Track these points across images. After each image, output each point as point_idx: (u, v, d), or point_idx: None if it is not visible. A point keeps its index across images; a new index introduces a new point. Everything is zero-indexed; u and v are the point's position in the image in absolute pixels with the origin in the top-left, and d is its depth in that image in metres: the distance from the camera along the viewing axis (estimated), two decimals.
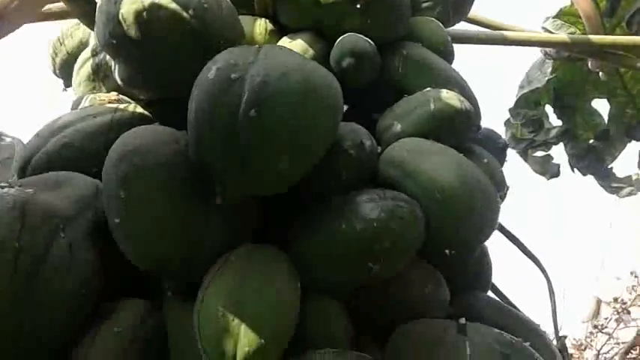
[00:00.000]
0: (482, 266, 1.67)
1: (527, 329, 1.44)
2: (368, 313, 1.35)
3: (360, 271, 1.20)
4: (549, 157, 3.40)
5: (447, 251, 1.29)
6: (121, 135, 1.28)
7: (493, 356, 1.15)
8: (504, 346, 1.17)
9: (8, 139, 1.87)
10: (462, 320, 1.25)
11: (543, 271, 2.81)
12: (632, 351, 4.73)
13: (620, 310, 5.42)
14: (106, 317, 1.20)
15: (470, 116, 1.53)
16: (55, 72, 2.16)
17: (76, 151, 1.44)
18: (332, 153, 1.28)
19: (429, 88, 1.57)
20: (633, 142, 3.28)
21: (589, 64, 2.93)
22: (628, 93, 3.17)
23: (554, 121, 3.31)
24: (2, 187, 1.18)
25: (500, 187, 1.62)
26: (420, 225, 1.23)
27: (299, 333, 1.13)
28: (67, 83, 2.10)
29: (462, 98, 1.53)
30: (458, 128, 1.51)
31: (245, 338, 1.02)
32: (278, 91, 1.10)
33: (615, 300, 5.62)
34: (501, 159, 1.82)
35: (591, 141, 3.32)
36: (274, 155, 1.10)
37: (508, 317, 1.48)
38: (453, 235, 1.26)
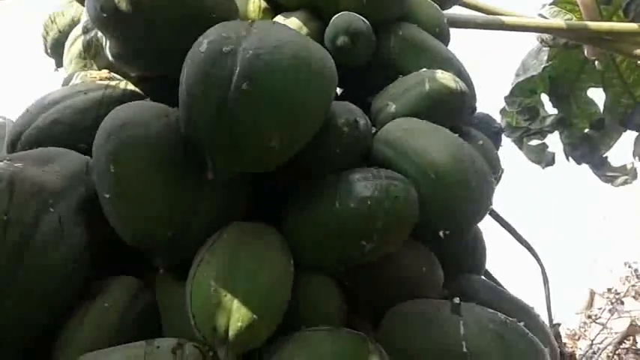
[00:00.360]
0: (476, 250, 1.66)
1: (521, 311, 1.43)
2: (362, 292, 1.35)
3: (353, 249, 1.18)
4: (544, 146, 3.40)
5: (441, 232, 1.28)
6: (111, 110, 1.26)
7: (487, 335, 1.14)
8: (498, 325, 1.17)
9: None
10: (456, 300, 1.24)
11: (537, 258, 2.81)
12: (625, 341, 4.76)
13: (613, 301, 5.45)
14: (96, 294, 1.18)
15: (465, 97, 1.52)
16: (46, 51, 2.13)
17: (66, 127, 1.42)
18: (325, 130, 1.26)
19: (424, 69, 1.56)
20: (628, 131, 3.28)
21: (585, 52, 2.92)
22: (623, 82, 3.16)
23: (550, 109, 3.31)
24: None
25: (495, 170, 1.61)
26: (415, 204, 1.22)
27: (292, 310, 1.12)
28: (59, 63, 2.07)
29: (457, 79, 1.52)
30: (453, 109, 1.50)
31: (237, 313, 1.01)
32: (270, 64, 1.08)
33: (609, 290, 5.65)
34: (496, 143, 1.81)
35: (586, 130, 3.31)
36: (265, 130, 1.07)
37: (502, 299, 1.48)
38: (447, 214, 1.25)
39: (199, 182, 1.18)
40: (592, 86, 3.38)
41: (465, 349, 1.13)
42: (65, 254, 1.12)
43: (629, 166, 3.20)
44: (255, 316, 1.01)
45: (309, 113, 1.15)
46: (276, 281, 1.09)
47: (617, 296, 5.58)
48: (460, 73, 1.62)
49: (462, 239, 1.31)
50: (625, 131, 3.29)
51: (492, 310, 1.24)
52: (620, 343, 4.66)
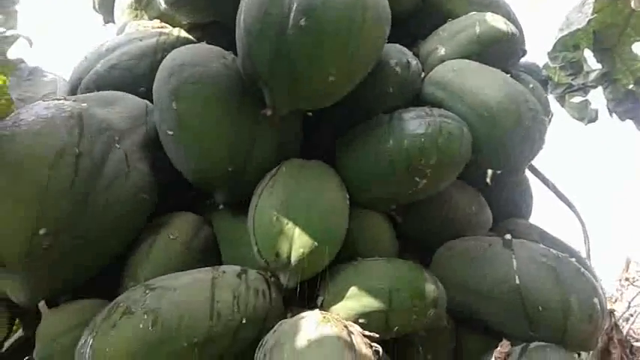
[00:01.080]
0: (522, 196, 1.67)
1: (570, 253, 1.44)
2: (412, 230, 1.38)
3: (406, 185, 1.21)
4: (587, 102, 3.33)
5: (490, 172, 1.30)
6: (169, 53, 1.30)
7: (540, 268, 1.16)
8: (552, 259, 1.19)
9: (50, 76, 1.90)
10: (508, 236, 1.26)
11: (578, 216, 2.79)
12: None
13: None
14: (161, 227, 1.24)
15: (515, 40, 1.50)
16: (94, 7, 2.18)
17: (124, 71, 1.47)
18: (378, 70, 1.28)
19: (473, 12, 1.55)
20: None
21: (632, 4, 2.84)
22: None
23: (594, 65, 3.23)
24: (57, 100, 1.22)
25: (547, 112, 1.60)
26: (468, 142, 1.23)
27: (348, 243, 1.16)
28: (107, 19, 2.11)
29: (507, 21, 1.50)
30: (503, 52, 1.49)
31: (299, 240, 1.05)
32: (327, 0, 1.09)
33: None
34: (544, 89, 1.80)
35: (631, 85, 3.23)
36: (323, 65, 1.09)
37: (551, 242, 1.49)
38: (501, 153, 1.26)
39: (257, 120, 1.21)
40: (637, 40, 3.28)
41: (517, 282, 1.15)
42: (133, 185, 1.17)
43: None
44: (315, 242, 1.05)
45: (365, 48, 1.16)
46: (335, 210, 1.13)
47: None
48: (509, 16, 1.60)
49: (516, 178, 1.31)
50: None
51: (545, 246, 1.25)
52: None
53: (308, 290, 1.11)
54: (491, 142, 1.25)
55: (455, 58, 1.46)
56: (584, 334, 1.13)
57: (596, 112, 3.34)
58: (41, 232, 1.02)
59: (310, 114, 1.45)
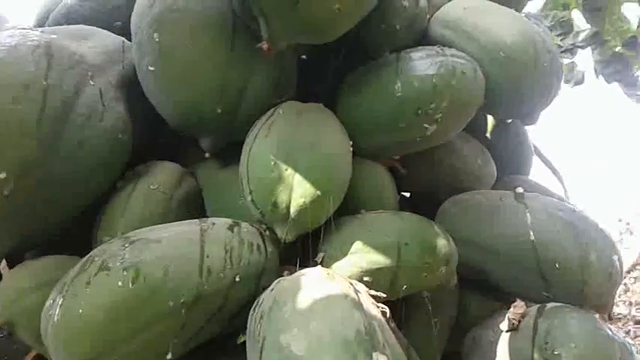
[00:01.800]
0: (524, 151, 1.58)
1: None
2: (414, 184, 1.27)
3: (414, 132, 1.10)
4: (574, 64, 3.27)
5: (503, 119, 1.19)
6: None
7: (556, 223, 1.07)
8: (568, 213, 1.09)
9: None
10: (519, 189, 1.17)
11: (561, 181, 2.73)
12: (635, 269, 4.78)
13: (623, 231, 5.44)
14: (140, 176, 1.11)
15: None
16: None
17: (97, 4, 1.31)
18: (385, 4, 1.15)
19: None
20: None
21: None
22: None
23: (583, 26, 3.15)
24: (23, 29, 1.06)
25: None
26: (482, 83, 1.12)
27: (350, 194, 1.05)
28: None
29: None
30: None
31: (300, 188, 0.93)
32: None
33: (619, 221, 5.66)
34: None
35: (618, 48, 3.17)
36: None
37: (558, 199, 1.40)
38: (518, 95, 1.15)
39: (250, 55, 1.08)
40: (627, 1, 3.21)
41: (532, 237, 1.06)
42: (109, 126, 1.03)
43: None
44: (318, 191, 0.93)
45: None
46: (339, 156, 1.01)
47: (627, 226, 5.59)
48: None
49: (531, 124, 1.21)
50: None
51: (558, 200, 1.16)
52: (629, 272, 4.69)
53: (307, 245, 0.99)
54: (507, 83, 1.15)
55: None
56: (603, 294, 1.04)
57: (583, 74, 3.28)
58: (1, 175, 0.88)
59: (305, 57, 1.32)
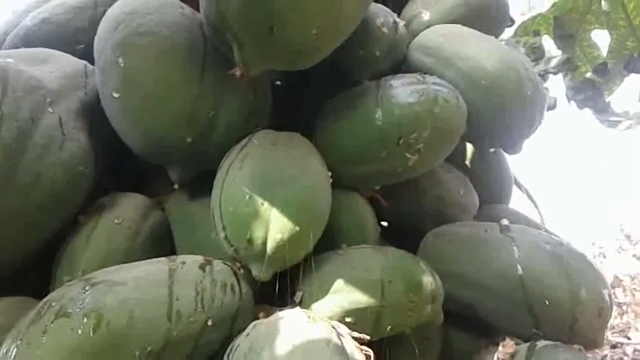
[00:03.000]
0: (504, 180, 1.55)
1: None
2: (394, 215, 1.22)
3: (396, 162, 1.05)
4: (546, 90, 3.29)
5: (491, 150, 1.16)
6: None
7: (544, 256, 1.03)
8: (555, 246, 1.05)
9: None
10: (505, 221, 1.13)
11: (535, 205, 2.72)
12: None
13: (596, 254, 5.51)
14: (103, 210, 1.03)
15: (503, 5, 1.37)
16: None
17: (58, 26, 1.24)
18: (364, 30, 1.11)
19: None
20: (632, 78, 3.19)
21: None
22: (630, 24, 3.05)
23: (555, 52, 3.18)
24: None
25: None
26: (464, 112, 1.08)
27: (329, 228, 0.99)
28: None
29: None
30: (491, 17, 1.35)
31: (277, 223, 0.86)
32: None
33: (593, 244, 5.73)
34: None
35: (589, 74, 3.21)
36: (307, 15, 0.89)
37: (539, 229, 1.36)
38: (501, 125, 1.12)
39: (222, 81, 1.02)
40: (597, 28, 3.26)
41: (520, 272, 1.01)
42: (69, 157, 0.96)
43: (632, 112, 3.11)
44: (296, 227, 0.87)
45: (352, 2, 0.98)
46: (317, 188, 0.95)
47: (600, 249, 5.64)
48: None
49: (515, 153, 1.18)
50: (628, 76, 3.19)
51: (545, 232, 1.12)
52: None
53: (284, 284, 0.93)
54: (489, 112, 1.11)
55: (440, 24, 1.31)
56: (594, 331, 1.00)
57: (555, 100, 3.30)
58: None
59: (279, 82, 1.27)
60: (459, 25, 1.26)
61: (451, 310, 1.10)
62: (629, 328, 3.68)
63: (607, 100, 3.18)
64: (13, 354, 0.71)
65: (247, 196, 0.88)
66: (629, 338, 3.65)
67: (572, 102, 3.21)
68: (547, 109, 3.36)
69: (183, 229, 1.08)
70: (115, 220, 1.00)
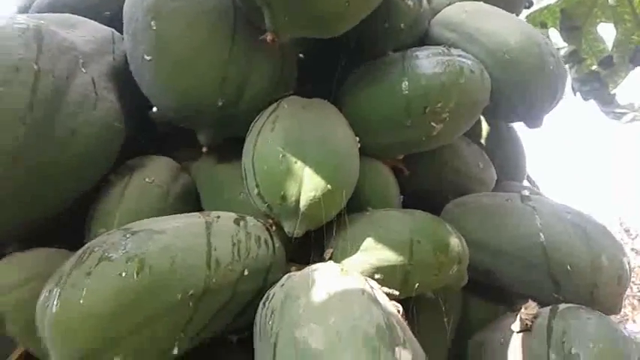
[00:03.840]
0: (519, 156, 1.57)
1: None
2: (415, 185, 1.24)
3: (421, 131, 1.07)
4: None
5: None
6: None
7: (565, 225, 1.05)
8: (575, 215, 1.08)
9: None
10: (525, 192, 1.15)
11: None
12: None
13: None
14: (134, 170, 1.05)
15: None
16: None
17: None
18: (389, 2, 1.13)
19: None
20: (637, 71, 3.21)
21: None
22: (635, 18, 3.07)
23: (560, 44, 3.21)
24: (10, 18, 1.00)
25: None
26: (488, 84, 1.10)
27: (355, 192, 1.01)
28: None
29: None
30: None
31: (310, 182, 0.88)
32: None
33: None
34: None
35: (594, 67, 3.24)
36: None
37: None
38: (522, 98, 1.14)
39: (252, 47, 1.03)
40: (603, 21, 3.28)
41: (542, 239, 1.04)
42: (104, 115, 0.98)
43: (637, 105, 3.14)
44: (329, 185, 0.89)
45: None
46: (348, 151, 0.97)
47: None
48: None
49: (536, 127, 1.19)
50: (633, 69, 3.22)
51: (564, 204, 1.15)
52: None
53: (314, 243, 0.95)
54: (511, 86, 1.13)
55: (461, 1, 1.33)
56: (613, 297, 1.03)
57: None
58: None
59: (302, 55, 1.29)
60: (481, 2, 1.28)
61: (470, 278, 1.13)
62: (627, 320, 3.73)
63: (612, 93, 3.20)
64: (57, 295, 0.73)
65: (281, 155, 0.90)
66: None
67: (578, 93, 3.24)
68: None
69: (210, 192, 1.10)
70: (147, 179, 1.02)
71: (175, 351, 0.76)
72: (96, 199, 0.99)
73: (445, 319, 1.01)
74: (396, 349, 0.68)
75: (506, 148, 1.51)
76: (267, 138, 0.94)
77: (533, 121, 1.18)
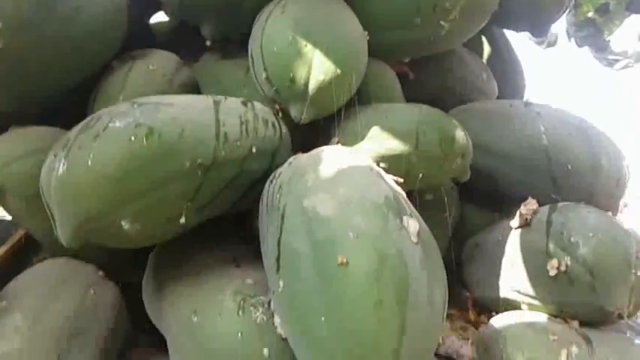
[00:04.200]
0: (517, 75, 1.57)
1: None
2: (418, 91, 1.23)
3: (429, 29, 1.05)
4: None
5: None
6: None
7: (568, 128, 1.06)
8: (578, 120, 1.08)
9: None
10: (528, 99, 1.15)
11: None
12: None
13: None
14: (136, 57, 1.03)
15: None
16: None
17: None
18: None
19: None
20: (632, 19, 3.20)
21: None
22: None
23: None
24: None
25: None
26: None
27: (360, 89, 1.00)
28: None
29: None
30: None
31: (320, 65, 0.87)
32: None
33: None
34: None
35: (590, 14, 3.22)
36: None
37: None
38: (532, 4, 1.13)
39: None
40: None
41: (545, 142, 1.04)
42: None
43: (630, 51, 3.15)
44: (339, 69, 0.88)
45: None
46: (358, 39, 0.96)
47: None
48: None
49: (542, 36, 1.19)
50: (629, 16, 3.20)
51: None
52: None
53: (319, 129, 0.95)
54: None
55: None
56: (611, 199, 1.04)
57: (556, 36, 3.31)
58: None
59: None
60: None
61: (467, 183, 1.13)
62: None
63: (607, 39, 3.20)
64: (63, 158, 0.71)
65: (290, 37, 0.88)
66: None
67: (573, 39, 3.22)
68: (547, 45, 3.37)
69: (213, 84, 1.08)
70: (150, 67, 1.00)
71: (182, 220, 0.76)
72: (98, 85, 0.97)
73: (447, 213, 1.02)
74: (404, 217, 0.69)
75: (505, 69, 1.50)
76: (276, 22, 0.92)
77: (540, 29, 1.17)
